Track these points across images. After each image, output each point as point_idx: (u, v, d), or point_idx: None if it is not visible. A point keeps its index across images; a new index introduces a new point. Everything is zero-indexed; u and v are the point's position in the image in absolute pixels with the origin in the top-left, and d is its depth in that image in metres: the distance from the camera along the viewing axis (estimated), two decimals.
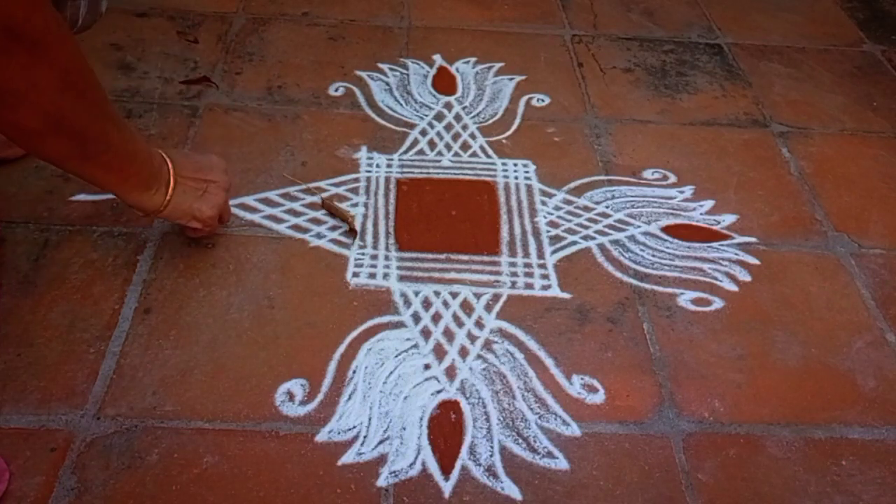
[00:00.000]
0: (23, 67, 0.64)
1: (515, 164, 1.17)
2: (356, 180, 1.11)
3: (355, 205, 1.07)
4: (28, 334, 0.87)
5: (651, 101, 1.33)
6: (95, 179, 0.80)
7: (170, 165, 0.86)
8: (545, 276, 1.00)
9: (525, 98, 1.30)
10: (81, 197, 1.03)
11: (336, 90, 1.28)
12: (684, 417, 0.86)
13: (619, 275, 1.02)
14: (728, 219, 1.11)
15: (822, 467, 0.83)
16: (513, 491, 0.78)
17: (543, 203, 1.11)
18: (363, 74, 1.32)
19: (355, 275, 0.98)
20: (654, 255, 1.05)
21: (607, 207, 1.11)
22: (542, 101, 1.30)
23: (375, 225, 1.05)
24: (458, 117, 1.25)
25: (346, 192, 1.09)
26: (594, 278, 1.01)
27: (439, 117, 1.24)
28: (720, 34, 1.53)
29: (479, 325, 0.93)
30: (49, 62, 0.66)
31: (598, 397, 0.87)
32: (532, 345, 0.92)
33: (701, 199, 1.14)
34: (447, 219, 1.07)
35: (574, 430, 0.84)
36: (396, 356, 0.89)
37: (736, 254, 1.06)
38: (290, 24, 1.42)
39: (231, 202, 1.05)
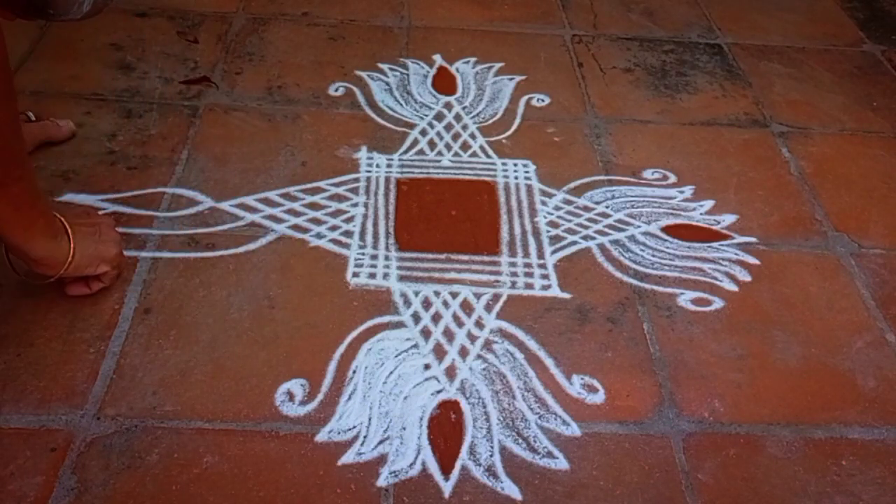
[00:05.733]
0: None
1: (515, 164, 1.17)
2: (356, 180, 1.11)
3: (355, 205, 1.07)
4: (28, 334, 0.87)
5: (651, 101, 1.33)
6: (2, 219, 0.72)
7: (57, 214, 0.81)
8: (545, 276, 1.00)
9: (525, 98, 1.30)
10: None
11: (336, 90, 1.28)
12: (684, 417, 0.86)
13: (619, 275, 1.02)
14: (728, 219, 1.11)
15: (822, 467, 0.83)
16: (513, 491, 0.78)
17: (543, 203, 1.11)
18: (363, 74, 1.32)
19: (355, 275, 0.98)
20: (654, 255, 1.05)
21: (607, 207, 1.11)
22: (542, 101, 1.30)
23: (375, 225, 1.05)
24: (458, 117, 1.25)
25: (346, 191, 1.09)
26: (594, 278, 1.01)
27: (439, 117, 1.24)
28: (720, 34, 1.53)
29: (479, 325, 0.93)
30: None
31: (598, 397, 0.87)
32: (532, 345, 0.92)
33: (701, 199, 1.14)
34: (447, 219, 1.07)
35: (574, 430, 0.84)
36: (396, 356, 0.89)
37: (736, 254, 1.06)
38: (290, 24, 1.42)
39: (231, 202, 1.05)
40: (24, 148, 0.72)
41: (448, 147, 1.19)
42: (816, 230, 1.12)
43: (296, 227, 1.03)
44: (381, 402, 0.84)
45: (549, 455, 0.81)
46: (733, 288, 1.01)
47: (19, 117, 0.71)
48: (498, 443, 0.82)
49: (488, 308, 0.95)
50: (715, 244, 1.07)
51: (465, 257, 1.01)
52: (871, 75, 1.46)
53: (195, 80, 1.26)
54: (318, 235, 1.02)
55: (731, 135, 1.28)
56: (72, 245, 0.81)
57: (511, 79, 1.34)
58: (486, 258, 1.02)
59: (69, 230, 0.81)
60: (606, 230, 1.08)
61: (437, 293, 0.96)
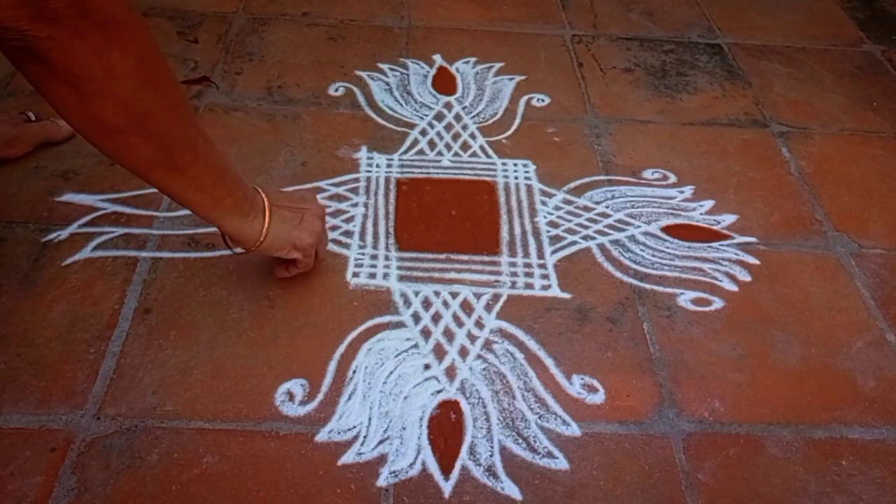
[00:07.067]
0: (96, 51, 0.60)
1: (515, 164, 1.17)
2: (356, 180, 1.11)
3: (355, 205, 1.07)
4: (28, 334, 0.87)
5: (651, 101, 1.33)
6: (188, 199, 0.76)
7: (263, 194, 0.84)
8: (545, 276, 1.00)
9: (525, 98, 1.30)
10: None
11: (336, 90, 1.28)
12: (684, 417, 0.86)
13: (619, 275, 1.02)
14: (728, 219, 1.11)
15: (822, 467, 0.83)
16: (513, 491, 0.78)
17: (543, 203, 1.11)
18: (363, 74, 1.32)
19: (355, 275, 0.98)
20: (654, 255, 1.05)
21: (607, 207, 1.11)
22: (542, 101, 1.30)
23: (375, 225, 1.05)
24: (458, 117, 1.25)
25: (346, 191, 1.09)
26: (594, 278, 1.01)
27: (439, 117, 1.24)
28: (720, 34, 1.53)
29: (479, 325, 0.93)
30: (123, 45, 0.62)
31: (598, 397, 0.87)
32: (532, 345, 0.92)
33: (701, 199, 1.14)
34: (447, 219, 1.07)
35: (574, 430, 0.84)
36: (396, 356, 0.89)
37: (736, 254, 1.06)
38: (290, 24, 1.42)
39: None
40: (195, 132, 0.73)
41: (448, 147, 1.19)
42: (816, 230, 1.12)
43: None
44: (381, 402, 0.84)
45: (549, 455, 0.81)
46: (733, 288, 1.02)
47: (185, 102, 0.72)
48: (498, 443, 0.82)
49: (488, 308, 0.95)
50: (715, 244, 1.07)
51: (465, 257, 1.02)
52: (871, 75, 1.46)
53: (195, 80, 1.26)
54: None
55: (731, 135, 1.28)
56: (266, 226, 0.83)
57: (511, 79, 1.34)
58: (486, 258, 1.02)
59: (268, 212, 0.84)
60: (606, 230, 1.08)
61: (437, 293, 0.96)
